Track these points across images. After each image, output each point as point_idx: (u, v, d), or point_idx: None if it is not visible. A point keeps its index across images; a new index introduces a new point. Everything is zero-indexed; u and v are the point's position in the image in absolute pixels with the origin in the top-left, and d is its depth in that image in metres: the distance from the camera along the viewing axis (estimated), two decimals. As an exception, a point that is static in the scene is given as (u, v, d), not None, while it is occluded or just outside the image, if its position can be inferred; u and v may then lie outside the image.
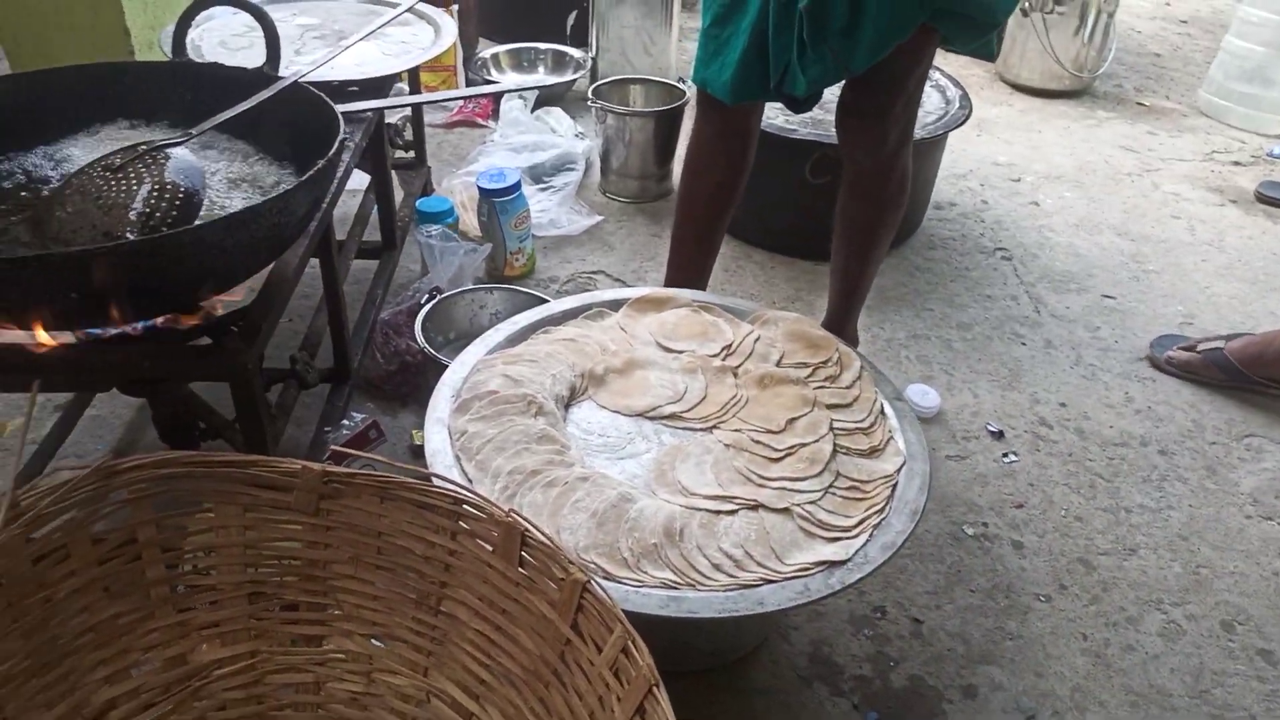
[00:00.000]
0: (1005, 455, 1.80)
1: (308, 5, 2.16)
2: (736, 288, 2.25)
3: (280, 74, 1.42)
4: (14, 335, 1.13)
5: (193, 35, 1.90)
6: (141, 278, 1.05)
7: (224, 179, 1.33)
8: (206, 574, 1.05)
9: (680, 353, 1.46)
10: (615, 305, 1.56)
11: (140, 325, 1.16)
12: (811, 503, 1.21)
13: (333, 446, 1.38)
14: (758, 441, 1.30)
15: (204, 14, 1.91)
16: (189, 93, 1.41)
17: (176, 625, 1.03)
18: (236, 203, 1.28)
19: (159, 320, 1.17)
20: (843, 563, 1.13)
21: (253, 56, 1.71)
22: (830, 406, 1.36)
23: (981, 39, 1.48)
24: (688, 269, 1.83)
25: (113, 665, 1.00)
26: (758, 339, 1.49)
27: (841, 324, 1.87)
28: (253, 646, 1.06)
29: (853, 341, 1.88)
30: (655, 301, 1.55)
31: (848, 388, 1.40)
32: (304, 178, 1.16)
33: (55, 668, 0.95)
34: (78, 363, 1.14)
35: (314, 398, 1.74)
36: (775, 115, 2.26)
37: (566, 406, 1.37)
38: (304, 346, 1.62)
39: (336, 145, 1.23)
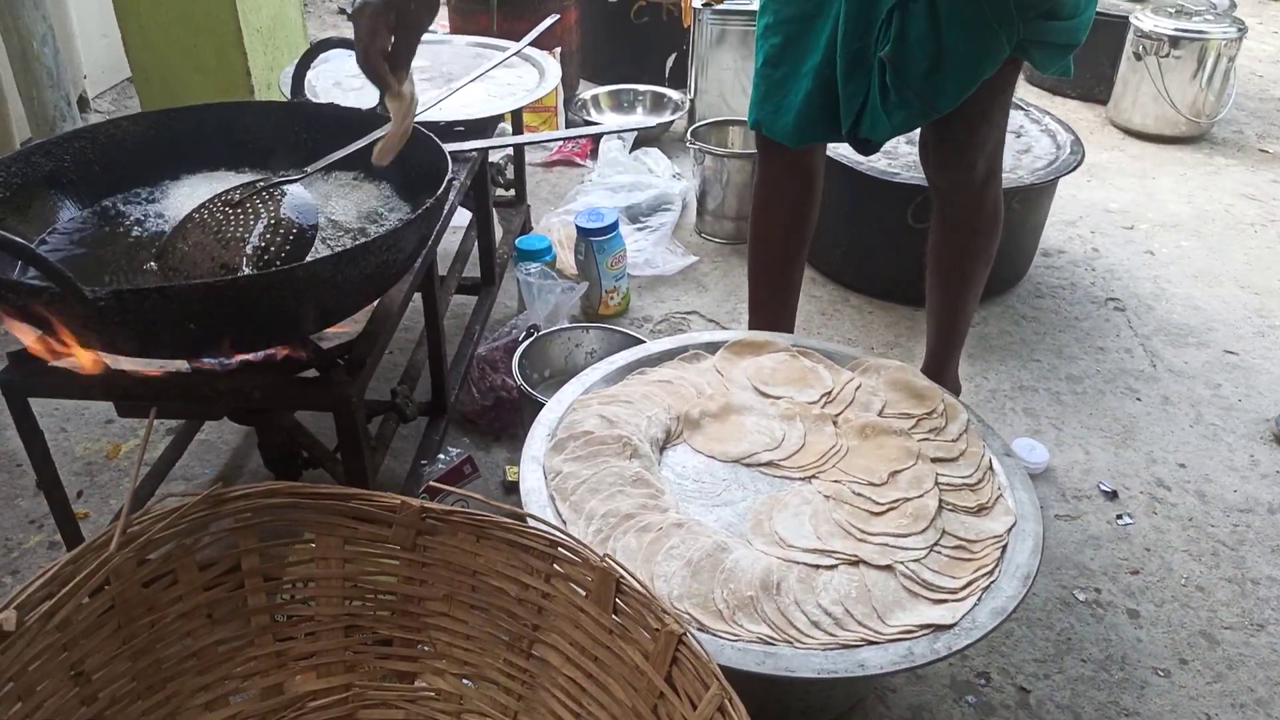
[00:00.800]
0: (1119, 517, 1.70)
1: (420, 48, 2.22)
2: (834, 332, 2.21)
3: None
4: (134, 363, 1.17)
5: (309, 76, 1.98)
6: (254, 311, 1.07)
7: (336, 215, 1.36)
8: (305, 604, 1.06)
9: (778, 399, 1.43)
10: (712, 348, 1.54)
11: (251, 356, 1.19)
12: (916, 561, 1.16)
13: (430, 482, 1.40)
14: (859, 494, 1.25)
15: (320, 56, 1.99)
16: (305, 131, 1.46)
17: (274, 655, 1.04)
18: (347, 239, 1.32)
19: (269, 352, 1.21)
20: (949, 627, 1.08)
21: (364, 97, 1.77)
22: (935, 460, 1.31)
23: (1064, 60, 1.45)
24: (766, 311, 1.81)
25: (213, 692, 1.01)
26: (859, 387, 1.45)
27: (941, 369, 1.82)
28: (347, 680, 1.07)
29: (954, 388, 1.82)
30: (753, 345, 1.53)
31: (953, 441, 1.35)
32: (413, 216, 1.18)
33: (159, 691, 0.97)
34: (192, 391, 1.18)
35: (411, 430, 1.77)
36: (878, 158, 2.23)
37: (661, 450, 1.35)
38: (404, 380, 1.64)
39: (445, 184, 1.25)
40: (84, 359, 1.14)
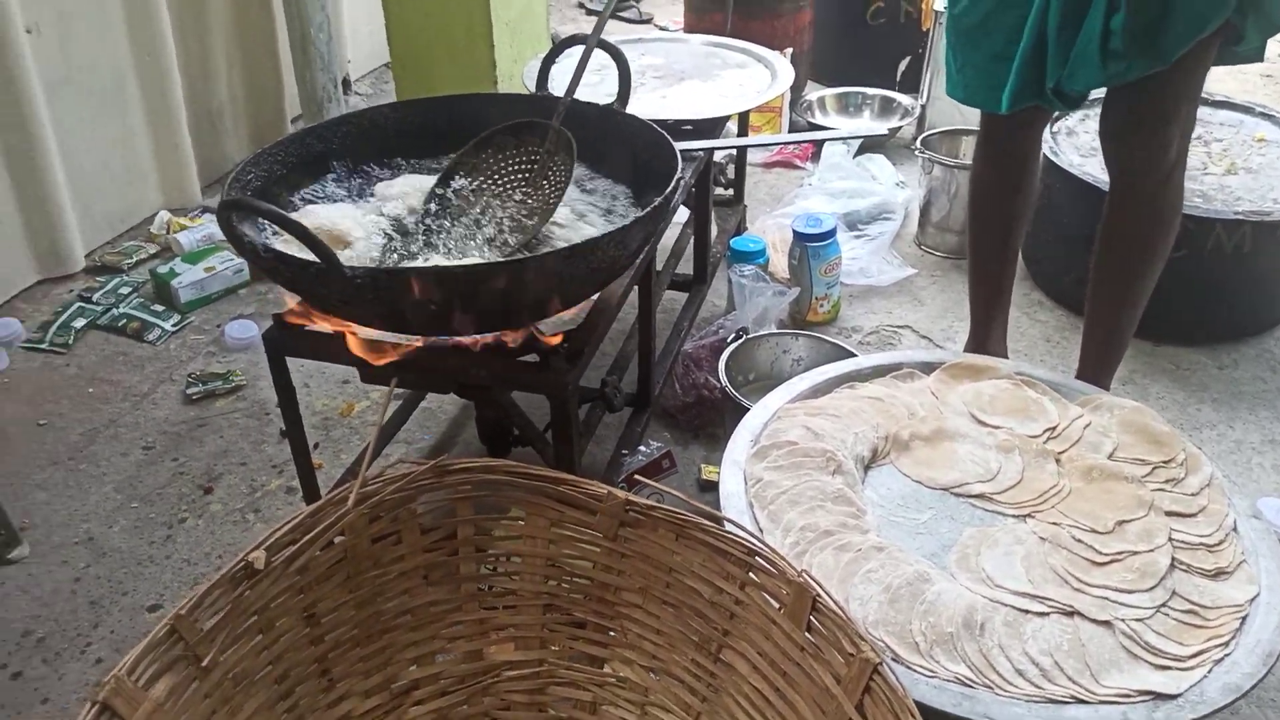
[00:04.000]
0: (1384, 601, 1.50)
1: (654, 46, 2.27)
2: (1058, 361, 2.08)
3: (628, 110, 1.50)
4: (377, 335, 1.27)
5: (553, 72, 2.07)
6: (487, 296, 1.13)
7: (569, 207, 1.41)
8: (510, 578, 1.11)
9: (996, 428, 1.36)
10: (928, 368, 1.48)
11: (479, 338, 1.26)
12: (1139, 620, 1.07)
13: (633, 475, 1.43)
14: (1079, 540, 1.17)
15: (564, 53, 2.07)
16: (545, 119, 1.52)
17: (478, 622, 1.10)
18: (576, 231, 1.36)
19: (495, 335, 1.27)
20: (1172, 697, 0.99)
21: (599, 92, 1.82)
22: (1169, 514, 1.21)
23: (1266, 38, 1.43)
24: (983, 304, 1.84)
25: (422, 648, 1.08)
26: (1087, 425, 1.35)
27: (1097, 374, 1.70)
28: (541, 655, 1.11)
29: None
30: (972, 369, 1.46)
31: (1193, 495, 1.24)
32: (641, 214, 1.20)
33: (376, 641, 1.05)
34: (427, 365, 1.26)
35: (614, 418, 1.81)
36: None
37: (866, 468, 1.32)
38: (613, 370, 1.68)
39: (674, 184, 1.27)
40: (337, 327, 1.25)
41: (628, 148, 1.46)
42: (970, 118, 2.89)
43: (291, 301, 1.31)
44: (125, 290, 2.29)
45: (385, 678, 1.06)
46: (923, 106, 3.03)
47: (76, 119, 2.31)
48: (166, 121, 2.55)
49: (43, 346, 2.12)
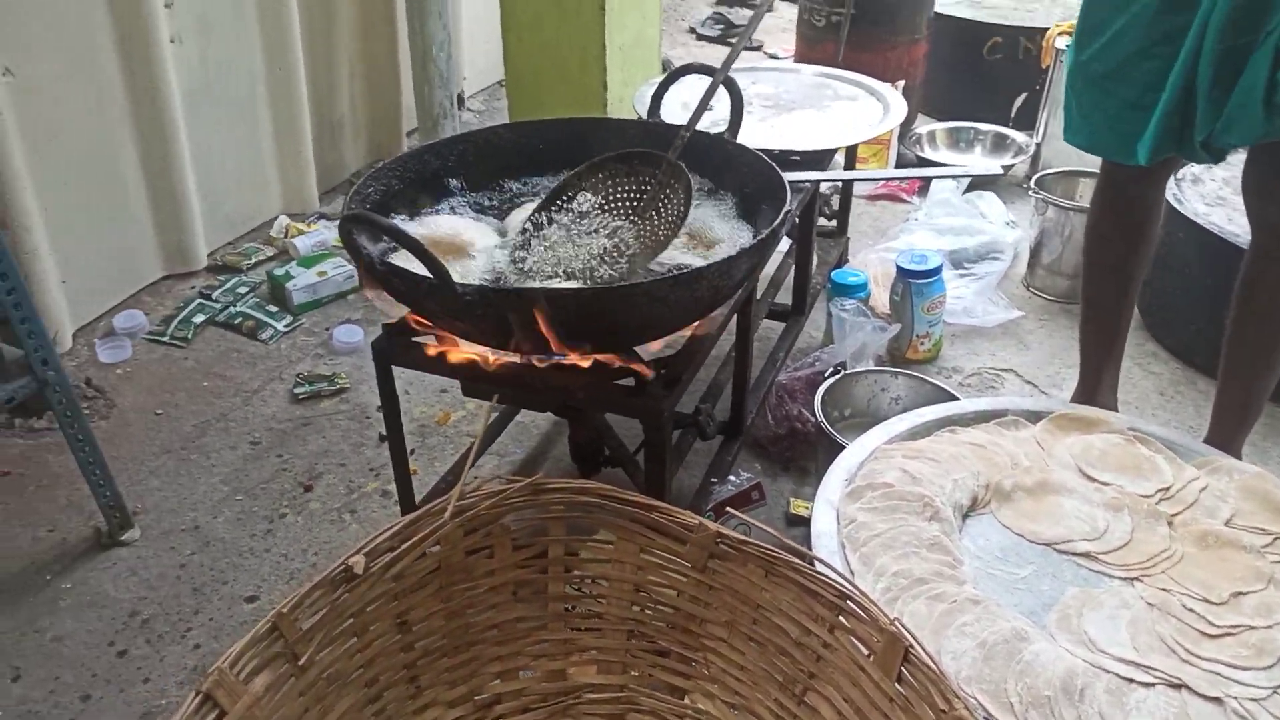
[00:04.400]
0: None
1: (765, 75, 2.27)
2: (1171, 416, 1.99)
3: (739, 140, 1.50)
4: (480, 350, 1.29)
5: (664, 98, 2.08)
6: (591, 319, 1.15)
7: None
8: (596, 601, 1.12)
9: (1105, 485, 1.30)
10: (1034, 416, 1.43)
11: (580, 359, 1.27)
12: (1254, 700, 1.01)
13: (721, 504, 1.42)
14: (1190, 609, 1.11)
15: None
16: (657, 149, 1.53)
17: (563, 642, 1.11)
18: (681, 257, 1.37)
19: (596, 357, 1.28)
20: (1289, 788, 0.93)
21: (707, 120, 1.83)
22: (1292, 589, 1.14)
23: None
24: (1090, 358, 1.79)
25: (507, 663, 1.09)
26: (1204, 488, 1.29)
27: (1229, 440, 1.63)
28: (623, 680, 1.11)
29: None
30: (1082, 421, 1.41)
31: (1319, 571, 1.16)
32: (747, 247, 1.20)
33: (463, 653, 1.07)
34: (526, 382, 1.28)
35: (704, 445, 1.81)
36: (1240, 233, 1.97)
37: (964, 517, 1.28)
38: (706, 398, 1.68)
39: (781, 217, 1.27)
40: (443, 340, 1.28)
41: (737, 177, 1.46)
42: (1088, 160, 2.81)
43: (400, 312, 1.35)
44: (243, 290, 2.40)
45: (470, 689, 1.08)
46: (1038, 145, 2.95)
47: (210, 125, 2.44)
48: (291, 130, 2.67)
49: (164, 339, 2.23)
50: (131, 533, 1.69)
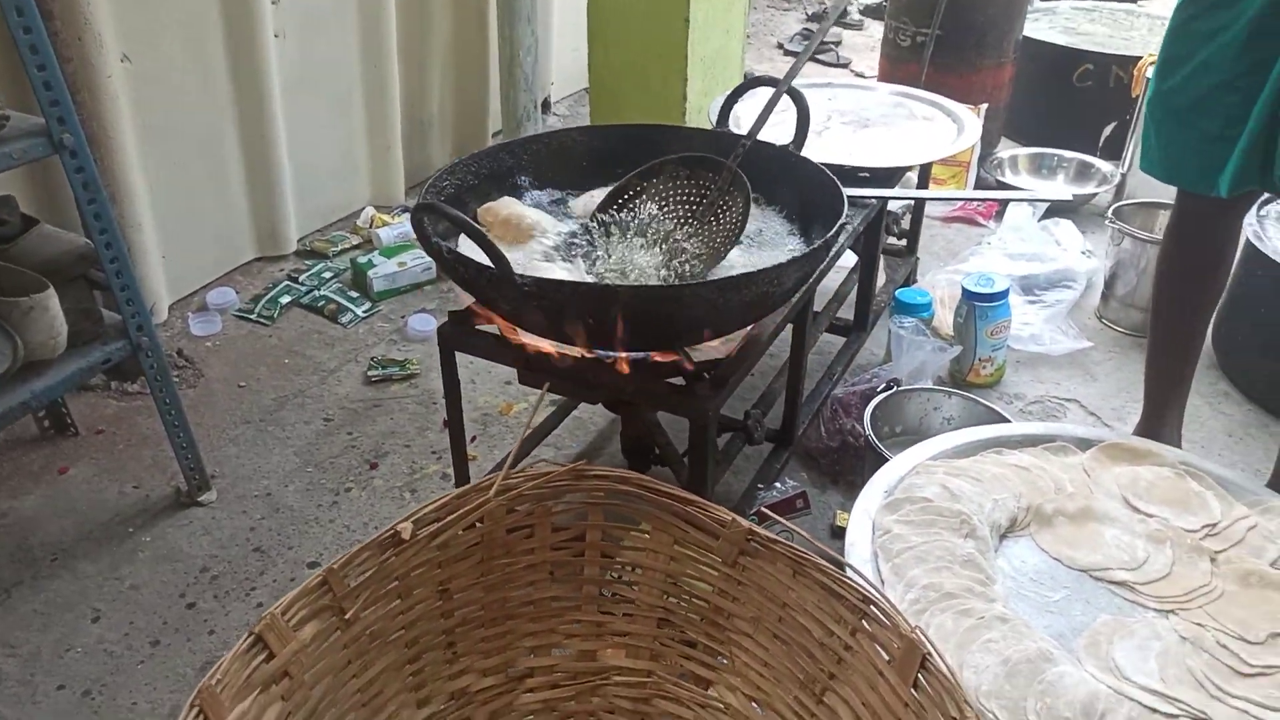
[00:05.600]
0: None
1: (841, 92, 2.29)
2: (1238, 458, 1.94)
3: (803, 153, 1.53)
4: (539, 341, 1.35)
5: (736, 109, 2.12)
6: (643, 316, 1.19)
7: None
8: (629, 587, 1.16)
9: (1150, 516, 1.29)
10: (1084, 444, 1.43)
11: (632, 355, 1.32)
12: (1281, 741, 1.00)
13: (762, 507, 1.45)
14: (1224, 646, 1.10)
15: (749, 90, 2.12)
16: (724, 158, 1.58)
17: (595, 624, 1.16)
18: (737, 261, 1.41)
19: (647, 355, 1.33)
20: (1307, 829, 0.92)
21: (779, 132, 1.86)
22: (1335, 634, 1.12)
23: None
24: (1154, 393, 1.78)
25: (539, 640, 1.14)
26: (1253, 527, 1.27)
27: None
28: (650, 666, 1.15)
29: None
30: (1133, 452, 1.40)
31: (1366, 619, 1.14)
32: (800, 254, 1.24)
33: (499, 625, 1.12)
34: (579, 375, 1.33)
35: (755, 453, 1.84)
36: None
37: (1001, 537, 1.29)
38: (758, 404, 1.71)
39: (835, 229, 1.29)
40: (504, 329, 1.34)
41: (797, 189, 1.50)
42: (1170, 192, 2.75)
43: (467, 301, 1.41)
44: (327, 275, 2.52)
45: (504, 660, 1.13)
46: (1123, 175, 2.90)
47: (307, 118, 2.57)
48: (383, 126, 2.79)
49: (251, 317, 2.35)
50: (208, 495, 1.80)
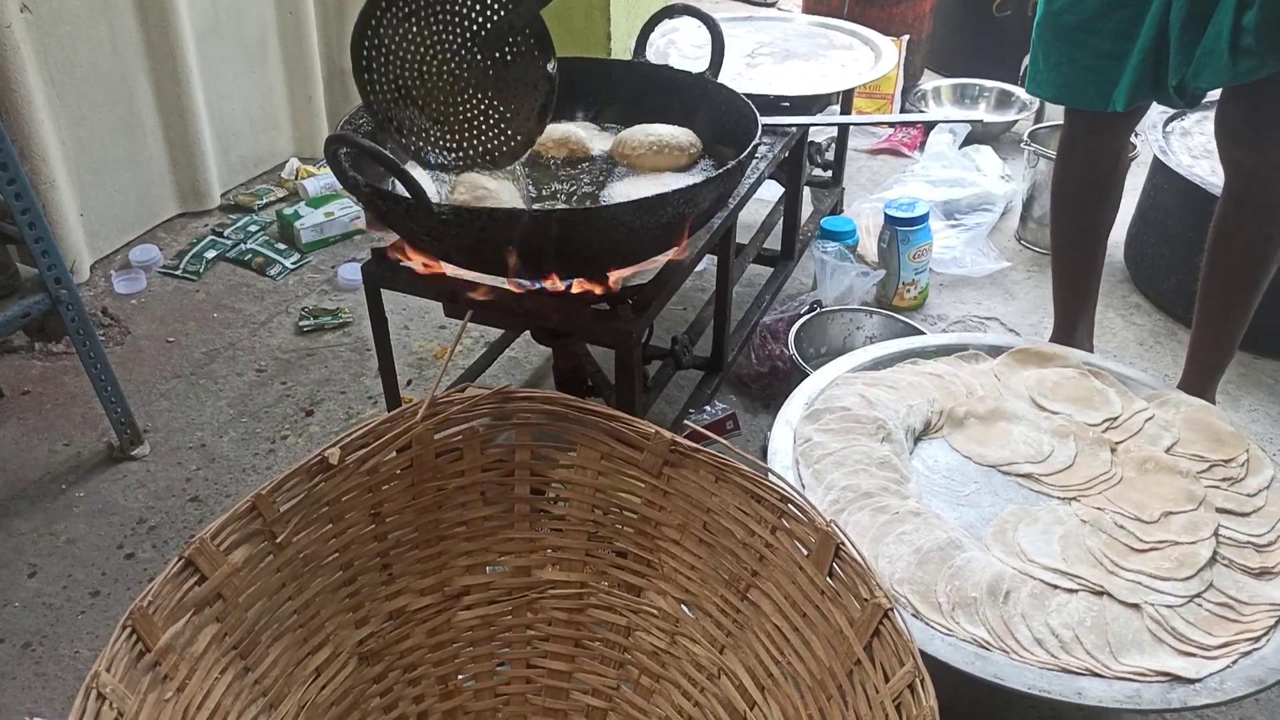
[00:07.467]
0: None
1: (764, 25, 2.31)
2: (1149, 365, 2.03)
3: (719, 80, 1.55)
4: (461, 274, 1.36)
5: (660, 43, 2.13)
6: (559, 242, 1.21)
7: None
8: (559, 504, 1.19)
9: (1055, 414, 1.36)
10: (995, 351, 1.49)
11: (555, 285, 1.34)
12: (1169, 607, 1.08)
13: (694, 426, 1.49)
14: (1121, 526, 1.18)
15: (674, 25, 2.13)
16: (637, 90, 1.59)
17: (527, 541, 1.19)
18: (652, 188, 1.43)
19: (570, 283, 1.35)
20: (1190, 681, 1.00)
21: (696, 63, 1.88)
22: (1221, 510, 1.20)
23: None
24: (1062, 308, 1.84)
25: (474, 559, 1.18)
26: (1150, 418, 1.35)
27: (1202, 385, 1.66)
28: (583, 578, 1.19)
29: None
30: (1039, 356, 1.47)
31: (1250, 495, 1.22)
32: (711, 176, 1.26)
33: (433, 546, 1.15)
34: (502, 305, 1.35)
35: (688, 382, 1.88)
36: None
37: (916, 440, 1.35)
38: (687, 331, 1.75)
39: (748, 151, 1.32)
40: (422, 261, 1.35)
41: (714, 116, 1.52)
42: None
43: (393, 239, 1.42)
44: (253, 228, 2.48)
45: (440, 580, 1.16)
46: (1042, 101, 2.96)
47: (222, 68, 2.51)
48: (302, 76, 2.73)
49: (177, 273, 2.32)
50: (141, 449, 1.79)
